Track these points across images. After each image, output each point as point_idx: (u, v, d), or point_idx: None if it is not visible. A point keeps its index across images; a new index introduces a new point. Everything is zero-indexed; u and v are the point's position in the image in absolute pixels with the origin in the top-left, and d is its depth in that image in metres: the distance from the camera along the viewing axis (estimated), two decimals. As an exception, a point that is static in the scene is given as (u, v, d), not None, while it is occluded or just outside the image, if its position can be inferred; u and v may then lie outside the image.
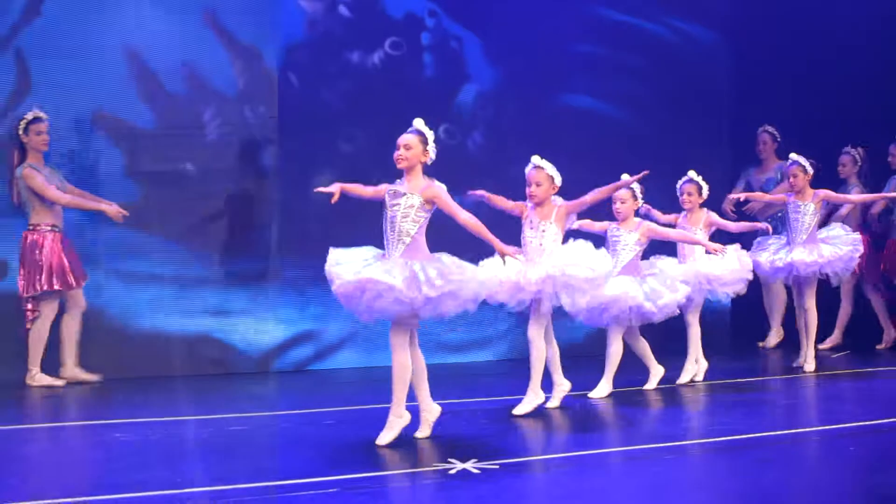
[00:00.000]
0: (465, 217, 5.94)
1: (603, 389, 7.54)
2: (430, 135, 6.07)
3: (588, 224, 7.61)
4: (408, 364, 5.91)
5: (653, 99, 10.05)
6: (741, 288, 8.23)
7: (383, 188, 6.05)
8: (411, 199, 5.94)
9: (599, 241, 7.34)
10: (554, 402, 7.12)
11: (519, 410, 6.85)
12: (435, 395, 6.18)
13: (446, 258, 5.93)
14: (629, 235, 7.58)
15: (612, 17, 9.99)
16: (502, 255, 6.03)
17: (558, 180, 6.88)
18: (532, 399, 6.91)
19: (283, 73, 8.83)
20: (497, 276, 6.60)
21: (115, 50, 8.31)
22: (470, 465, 5.38)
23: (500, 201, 7.01)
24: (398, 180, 6.03)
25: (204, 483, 5.19)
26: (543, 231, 6.90)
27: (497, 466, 5.40)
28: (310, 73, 8.93)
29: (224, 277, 8.64)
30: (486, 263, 6.59)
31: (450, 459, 5.50)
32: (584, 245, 6.89)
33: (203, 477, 5.33)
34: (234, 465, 5.55)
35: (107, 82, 8.28)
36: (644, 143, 9.66)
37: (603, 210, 7.69)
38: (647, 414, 7.18)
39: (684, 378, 8.14)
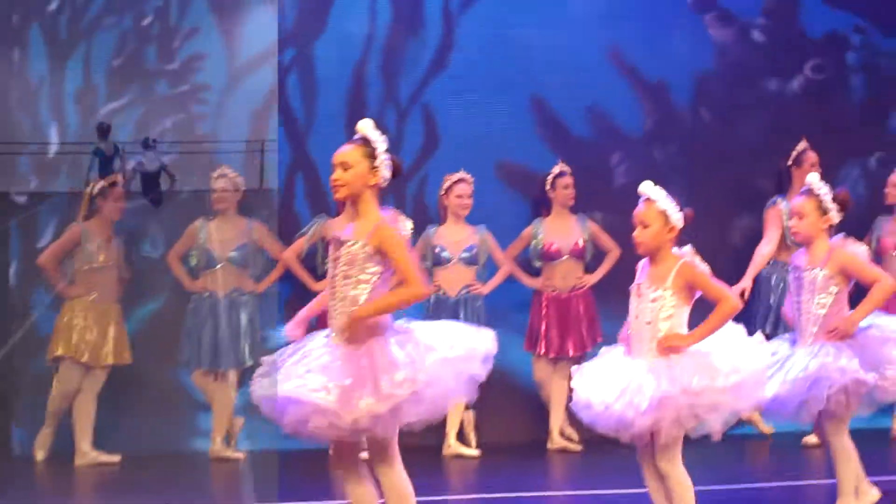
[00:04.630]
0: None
1: None
2: (381, 143, 4.09)
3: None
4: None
5: None
6: None
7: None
8: (355, 248, 4.09)
9: None
10: None
11: None
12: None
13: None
14: (815, 271, 5.00)
15: None
16: None
17: (676, 219, 4.55)
18: None
19: (694, 108, 8.33)
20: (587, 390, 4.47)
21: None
22: None
23: None
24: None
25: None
26: (654, 301, 4.48)
27: None
28: (722, 106, 8.35)
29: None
30: (586, 369, 4.58)
31: None
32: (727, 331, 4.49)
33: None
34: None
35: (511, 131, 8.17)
36: None
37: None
38: None
39: None
